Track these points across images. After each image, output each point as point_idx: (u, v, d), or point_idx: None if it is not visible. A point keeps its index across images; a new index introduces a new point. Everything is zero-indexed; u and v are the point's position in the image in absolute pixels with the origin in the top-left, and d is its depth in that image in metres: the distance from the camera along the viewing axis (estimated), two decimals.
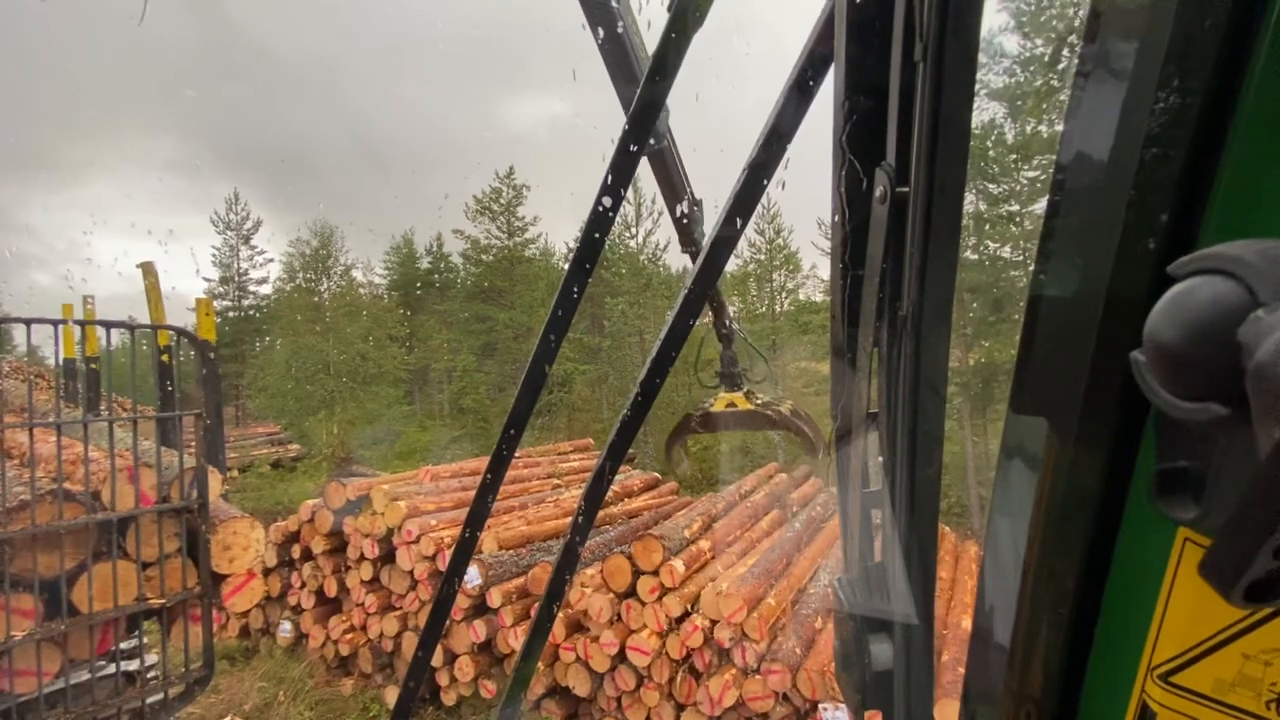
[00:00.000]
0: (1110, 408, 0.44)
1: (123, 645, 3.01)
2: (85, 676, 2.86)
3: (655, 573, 4.84)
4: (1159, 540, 0.43)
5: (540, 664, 5.19)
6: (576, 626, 5.20)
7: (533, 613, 5.24)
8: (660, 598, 4.74)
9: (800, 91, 0.90)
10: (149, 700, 2.99)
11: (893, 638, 0.78)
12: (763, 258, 23.14)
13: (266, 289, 28.34)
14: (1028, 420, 0.51)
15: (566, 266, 1.28)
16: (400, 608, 6.17)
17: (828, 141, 0.77)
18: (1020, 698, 0.54)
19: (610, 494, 7.75)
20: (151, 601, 2.86)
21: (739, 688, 4.30)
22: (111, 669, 2.95)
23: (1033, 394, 0.50)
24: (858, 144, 0.73)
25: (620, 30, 3.19)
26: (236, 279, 27.99)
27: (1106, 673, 0.49)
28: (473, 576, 5.55)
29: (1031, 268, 0.50)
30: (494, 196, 26.90)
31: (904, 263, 0.68)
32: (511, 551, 5.92)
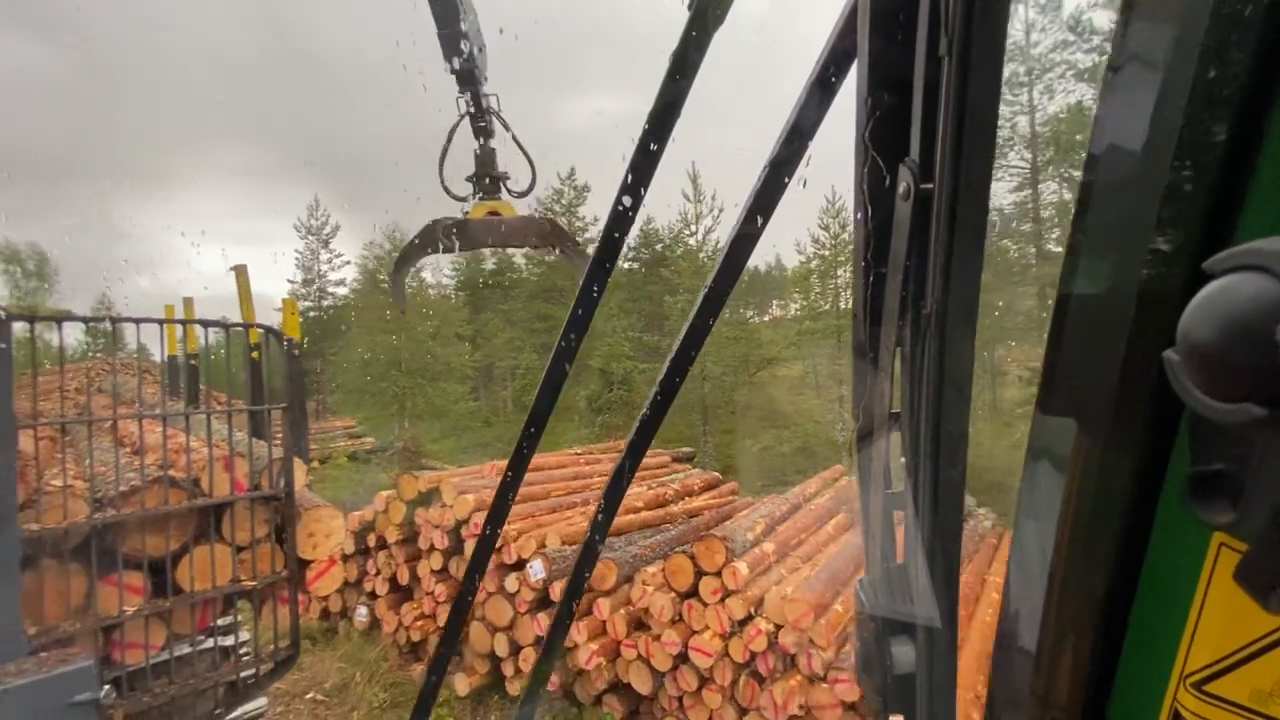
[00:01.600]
0: (1142, 409, 0.42)
1: (219, 622, 3.23)
2: (187, 650, 3.09)
3: (718, 574, 4.79)
4: (1192, 545, 0.42)
5: (602, 660, 5.23)
6: (638, 624, 5.22)
7: (596, 609, 5.30)
8: (723, 599, 4.69)
9: (822, 87, 0.89)
10: (242, 674, 3.20)
11: (915, 640, 0.77)
12: (826, 254, 22.55)
13: (344, 290, 29.93)
14: (1056, 421, 0.49)
15: (587, 268, 1.27)
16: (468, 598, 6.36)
17: (850, 138, 0.75)
18: (1046, 704, 0.52)
19: (671, 492, 7.74)
20: (244, 583, 3.05)
21: (804, 695, 4.19)
22: (210, 644, 3.18)
23: (1062, 394, 0.49)
24: (881, 140, 0.72)
25: None
26: (317, 281, 29.69)
27: (1137, 680, 0.47)
28: (537, 570, 5.66)
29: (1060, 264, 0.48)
30: (555, 198, 27.43)
31: (928, 260, 0.67)
32: (574, 547, 5.99)
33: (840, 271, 22.62)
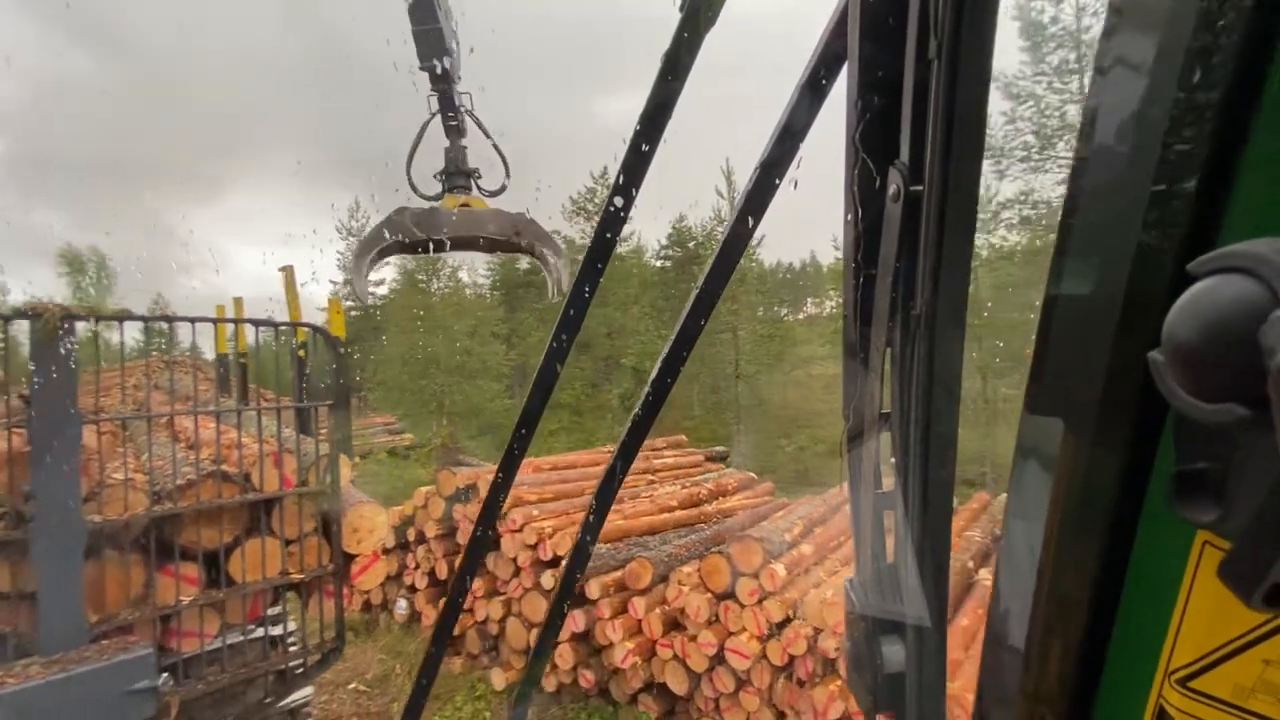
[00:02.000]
0: (1128, 408, 0.43)
1: (268, 613, 3.32)
2: (238, 639, 3.19)
3: (755, 575, 4.73)
4: (1177, 543, 0.42)
5: (637, 659, 5.22)
6: (673, 624, 5.19)
7: (632, 608, 5.29)
8: (761, 601, 4.62)
9: (813, 89, 0.89)
10: (290, 664, 3.29)
11: (905, 639, 0.78)
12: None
13: (383, 290, 30.61)
14: (1043, 421, 0.50)
15: (579, 265, 1.27)
16: (504, 593, 6.43)
17: (841, 139, 0.76)
18: (1035, 701, 0.53)
19: (705, 491, 7.69)
20: (293, 575, 3.13)
21: (846, 700, 4.10)
22: (260, 634, 3.27)
23: (1049, 394, 0.50)
24: (871, 142, 0.72)
25: None
26: None
27: (1123, 677, 0.48)
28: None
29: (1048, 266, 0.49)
30: (589, 197, 27.50)
31: (917, 262, 0.68)
32: (609, 545, 6.00)
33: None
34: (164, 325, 3.14)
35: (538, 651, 1.41)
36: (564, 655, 5.77)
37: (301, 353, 4.22)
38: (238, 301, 7.48)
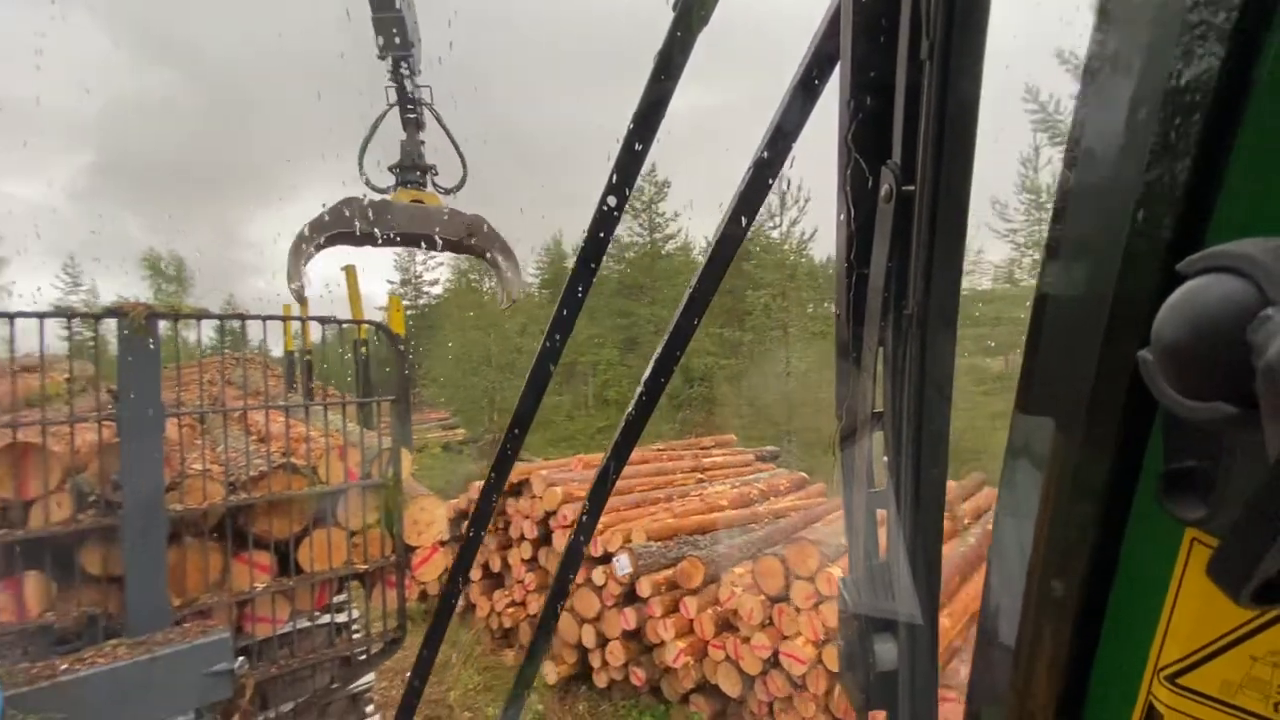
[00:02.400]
0: (1118, 407, 0.43)
1: (334, 600, 3.43)
2: (305, 625, 3.30)
3: (811, 579, 4.61)
4: (1166, 541, 0.43)
5: (689, 659, 5.18)
6: (725, 625, 5.12)
7: (683, 607, 5.25)
8: (816, 605, 4.50)
9: (806, 89, 0.89)
10: (355, 651, 3.39)
11: (897, 638, 0.78)
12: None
13: (437, 290, 31.49)
14: (1034, 419, 0.50)
15: (571, 265, 1.26)
16: None
17: (834, 139, 0.76)
18: (1025, 698, 0.53)
19: (757, 491, 7.56)
20: (357, 566, 3.22)
21: None
22: (325, 620, 3.38)
23: (1039, 393, 0.50)
24: (863, 142, 0.73)
25: None
26: (414, 281, 31.41)
27: (1113, 674, 0.49)
28: (624, 565, 5.68)
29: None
30: (636, 194, 27.56)
31: (909, 262, 0.68)
32: (660, 543, 5.97)
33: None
34: (235, 324, 3.27)
35: (530, 653, 1.36)
36: (615, 652, 5.77)
37: (364, 350, 4.32)
38: (304, 301, 7.80)
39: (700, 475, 8.14)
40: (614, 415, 24.64)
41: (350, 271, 6.48)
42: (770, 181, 0.98)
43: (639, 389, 1.15)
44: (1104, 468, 0.45)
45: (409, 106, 3.59)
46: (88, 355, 2.96)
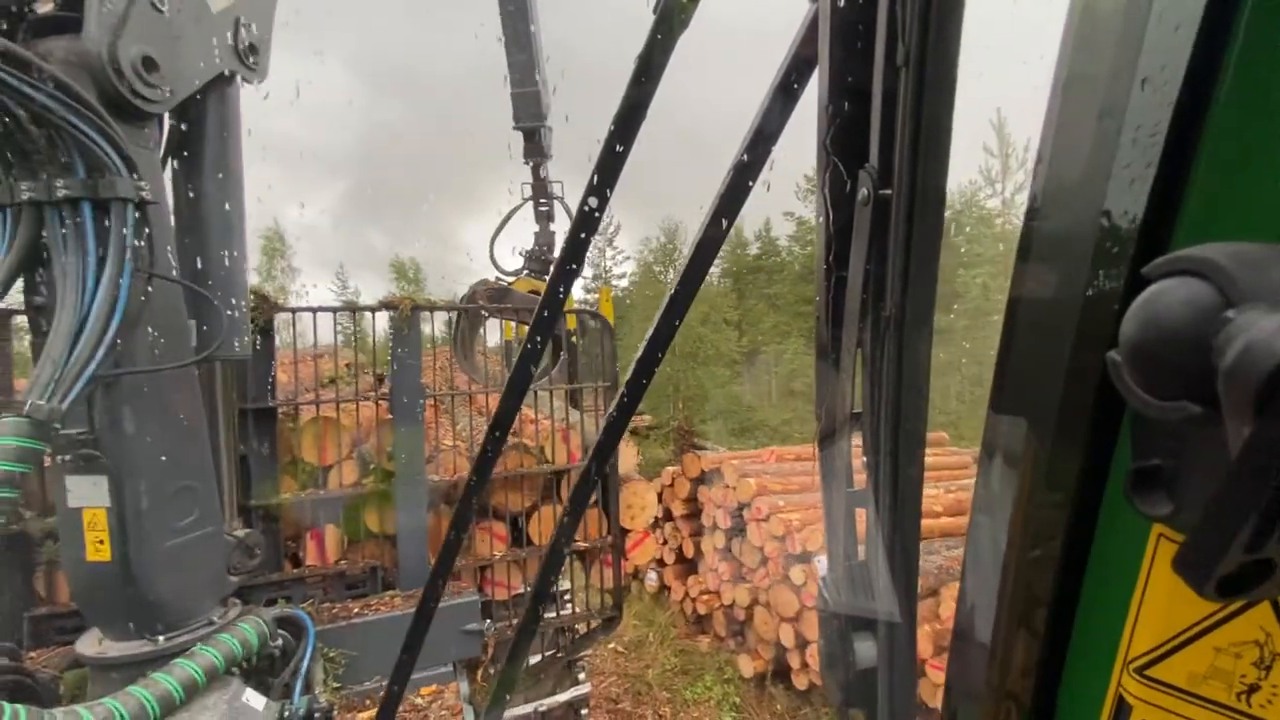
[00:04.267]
0: (1088, 407, 0.44)
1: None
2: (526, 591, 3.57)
3: None
4: (1134, 536, 0.44)
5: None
6: (945, 647, 4.58)
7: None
8: None
9: (785, 94, 0.90)
10: (574, 623, 3.59)
11: (876, 636, 0.80)
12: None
13: (625, 282, 33.04)
14: (1007, 419, 0.51)
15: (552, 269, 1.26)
16: (751, 581, 6.37)
17: (813, 143, 0.78)
18: (1001, 693, 0.54)
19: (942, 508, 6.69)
20: (578, 544, 3.39)
21: None
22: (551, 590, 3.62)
23: (1012, 393, 0.51)
24: (842, 146, 0.75)
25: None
26: (604, 275, 33.31)
27: (1084, 667, 0.49)
28: (825, 565, 5.37)
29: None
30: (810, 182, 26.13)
31: (887, 264, 0.70)
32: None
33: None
34: (453, 315, 3.62)
35: (511, 655, 1.32)
36: (813, 655, 5.50)
37: (574, 339, 4.55)
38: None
39: None
40: (800, 406, 23.83)
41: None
42: (750, 184, 0.97)
43: (620, 390, 1.15)
44: (1075, 465, 0.46)
45: (541, 199, 3.86)
46: (355, 345, 3.50)
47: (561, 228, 4.03)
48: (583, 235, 1.23)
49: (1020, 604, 0.52)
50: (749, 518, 6.38)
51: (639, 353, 1.15)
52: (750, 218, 33.59)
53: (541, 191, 3.91)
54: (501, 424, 1.36)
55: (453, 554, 1.50)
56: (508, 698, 1.55)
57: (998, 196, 20.08)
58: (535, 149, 3.88)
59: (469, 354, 4.02)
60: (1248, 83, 0.37)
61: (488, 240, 4.09)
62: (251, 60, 2.21)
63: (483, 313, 3.85)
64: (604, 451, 1.22)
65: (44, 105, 1.58)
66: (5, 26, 1.76)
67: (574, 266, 1.25)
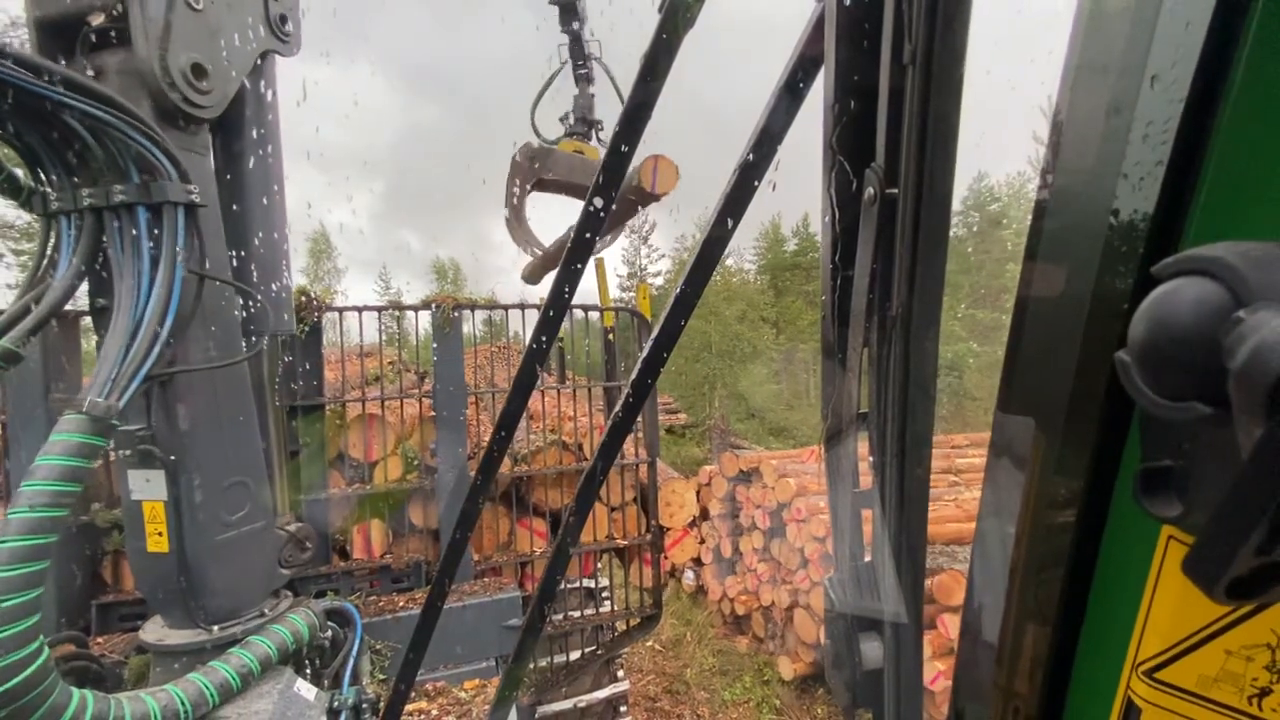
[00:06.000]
0: (1096, 407, 0.44)
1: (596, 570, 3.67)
2: (574, 586, 3.57)
3: None
4: (1143, 538, 0.43)
5: (948, 681, 4.57)
6: None
7: (941, 624, 4.63)
8: None
9: (791, 93, 0.89)
10: (612, 622, 3.58)
11: (883, 637, 0.79)
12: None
13: (660, 280, 33.00)
14: (1015, 420, 0.51)
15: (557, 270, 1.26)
16: (791, 583, 6.27)
17: (819, 142, 0.78)
18: (1008, 694, 0.54)
19: None
20: (617, 541, 3.38)
21: None
22: (589, 584, 3.62)
23: (1020, 394, 0.51)
24: (848, 146, 0.75)
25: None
26: (639, 274, 33.34)
27: (1092, 669, 0.49)
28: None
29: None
30: None
31: (893, 264, 0.70)
32: (934, 545, 5.37)
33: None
34: (495, 314, 3.63)
35: (517, 655, 1.32)
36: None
37: (610, 336, 4.54)
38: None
39: (954, 477, 7.21)
40: None
41: (598, 262, 6.97)
42: (756, 184, 0.96)
43: (625, 391, 1.14)
44: (1083, 467, 0.46)
45: (579, 61, 3.71)
46: (396, 343, 3.55)
47: (601, 90, 3.90)
48: (588, 235, 1.23)
49: (1028, 606, 0.52)
50: (788, 518, 6.28)
51: (644, 352, 1.15)
52: (787, 214, 33.10)
53: (579, 54, 3.77)
54: (507, 423, 1.37)
55: (458, 554, 1.49)
56: (514, 695, 1.57)
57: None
58: (570, 13, 3.75)
59: (521, 220, 3.84)
60: (1258, 80, 0.36)
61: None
62: (284, 30, 2.23)
63: (535, 165, 3.59)
64: (609, 451, 1.21)
65: (103, 120, 1.64)
66: (63, 41, 1.84)
67: (578, 267, 1.25)
